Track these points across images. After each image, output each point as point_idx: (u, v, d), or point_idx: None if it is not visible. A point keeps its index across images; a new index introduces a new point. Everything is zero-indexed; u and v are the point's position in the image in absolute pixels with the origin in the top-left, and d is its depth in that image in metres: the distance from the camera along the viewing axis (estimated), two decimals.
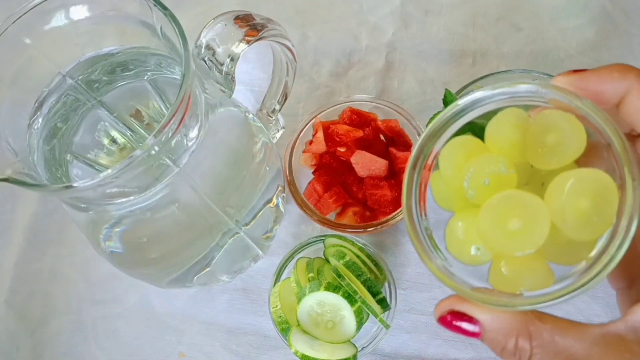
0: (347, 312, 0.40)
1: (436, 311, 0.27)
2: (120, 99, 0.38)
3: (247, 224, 0.42)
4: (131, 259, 0.40)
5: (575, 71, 0.24)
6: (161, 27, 0.34)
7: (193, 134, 0.35)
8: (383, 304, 0.42)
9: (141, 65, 0.39)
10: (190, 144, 0.35)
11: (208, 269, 0.42)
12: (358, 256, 0.42)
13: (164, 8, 0.33)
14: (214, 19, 0.37)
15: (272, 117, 0.48)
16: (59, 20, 0.35)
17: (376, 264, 0.43)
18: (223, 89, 0.39)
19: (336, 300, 0.40)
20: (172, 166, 0.34)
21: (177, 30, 0.32)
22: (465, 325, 0.25)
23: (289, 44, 0.41)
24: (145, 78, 0.39)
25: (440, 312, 0.27)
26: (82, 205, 0.36)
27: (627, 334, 0.23)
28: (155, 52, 0.38)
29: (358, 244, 0.44)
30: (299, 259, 0.44)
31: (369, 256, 0.43)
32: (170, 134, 0.31)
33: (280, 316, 0.42)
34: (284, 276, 0.45)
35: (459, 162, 0.24)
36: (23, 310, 0.51)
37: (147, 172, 0.33)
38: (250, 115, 0.43)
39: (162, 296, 0.51)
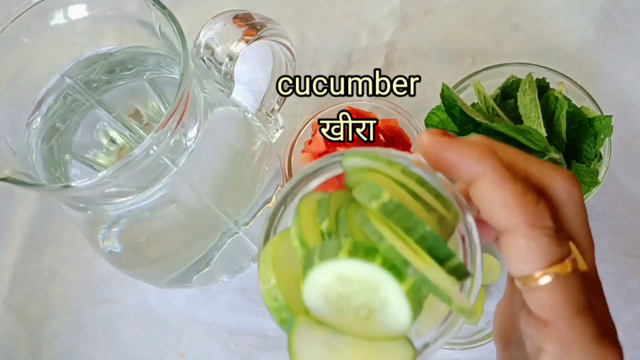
0: (392, 293, 0.22)
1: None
2: (119, 98, 0.38)
3: (246, 224, 0.42)
4: (130, 259, 0.40)
5: (444, 134, 0.24)
6: (160, 27, 0.34)
7: (192, 133, 0.35)
8: (458, 272, 0.23)
9: (140, 65, 0.38)
10: (189, 143, 0.35)
11: (207, 269, 0.42)
12: (404, 186, 0.24)
13: (163, 7, 0.33)
14: (212, 18, 0.37)
15: (271, 117, 0.48)
16: (57, 19, 0.35)
17: (438, 196, 0.24)
18: (222, 88, 0.39)
19: (372, 273, 0.22)
20: (171, 166, 0.34)
21: (175, 29, 0.32)
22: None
23: (288, 44, 0.41)
24: (144, 78, 0.39)
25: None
26: (81, 205, 0.36)
27: None
28: (154, 51, 0.38)
29: (399, 162, 0.24)
30: (304, 196, 0.25)
31: (422, 183, 0.24)
32: (168, 134, 0.31)
33: (276, 298, 0.23)
34: (280, 227, 0.25)
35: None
36: (22, 310, 0.51)
37: (145, 172, 0.33)
38: (250, 115, 0.43)
39: (162, 296, 0.50)
